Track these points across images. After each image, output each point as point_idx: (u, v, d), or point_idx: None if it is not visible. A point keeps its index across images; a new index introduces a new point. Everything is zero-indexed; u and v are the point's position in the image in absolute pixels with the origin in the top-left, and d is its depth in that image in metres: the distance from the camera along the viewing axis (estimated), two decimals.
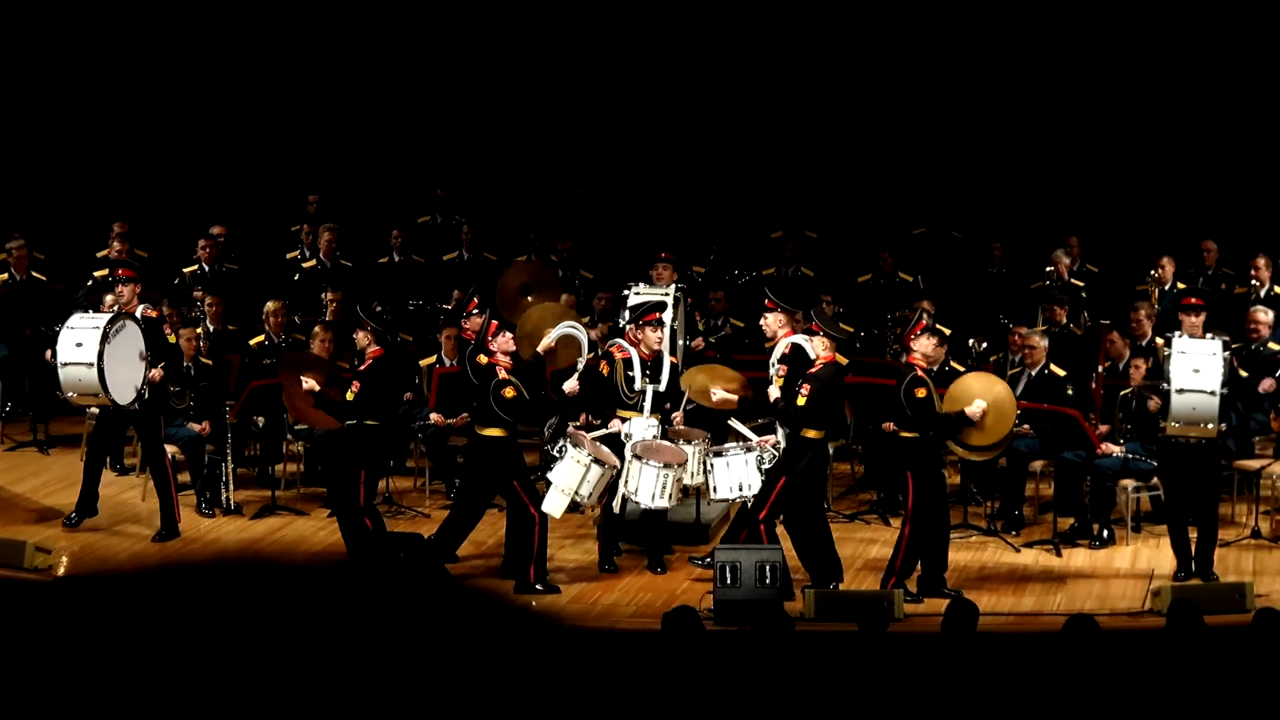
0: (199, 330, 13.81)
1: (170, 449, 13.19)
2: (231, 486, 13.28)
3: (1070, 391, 12.68)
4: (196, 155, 18.70)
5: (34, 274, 15.40)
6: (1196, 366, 11.32)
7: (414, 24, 18.88)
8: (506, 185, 18.65)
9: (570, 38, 18.72)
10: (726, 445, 11.75)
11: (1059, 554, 12.27)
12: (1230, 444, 12.87)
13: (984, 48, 18.15)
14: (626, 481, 11.55)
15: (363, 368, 11.83)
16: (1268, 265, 14.71)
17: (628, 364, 11.94)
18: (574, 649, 3.15)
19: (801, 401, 11.25)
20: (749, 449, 11.55)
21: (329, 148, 18.85)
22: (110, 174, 18.44)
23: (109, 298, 13.39)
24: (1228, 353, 11.52)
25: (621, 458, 11.66)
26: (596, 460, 11.47)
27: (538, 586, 11.40)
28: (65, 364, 12.12)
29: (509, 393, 11.47)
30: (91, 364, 12.04)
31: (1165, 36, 17.78)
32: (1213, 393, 11.29)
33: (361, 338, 11.97)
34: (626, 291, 13.09)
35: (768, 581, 10.76)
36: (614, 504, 11.70)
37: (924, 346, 11.31)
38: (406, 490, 13.87)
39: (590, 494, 11.51)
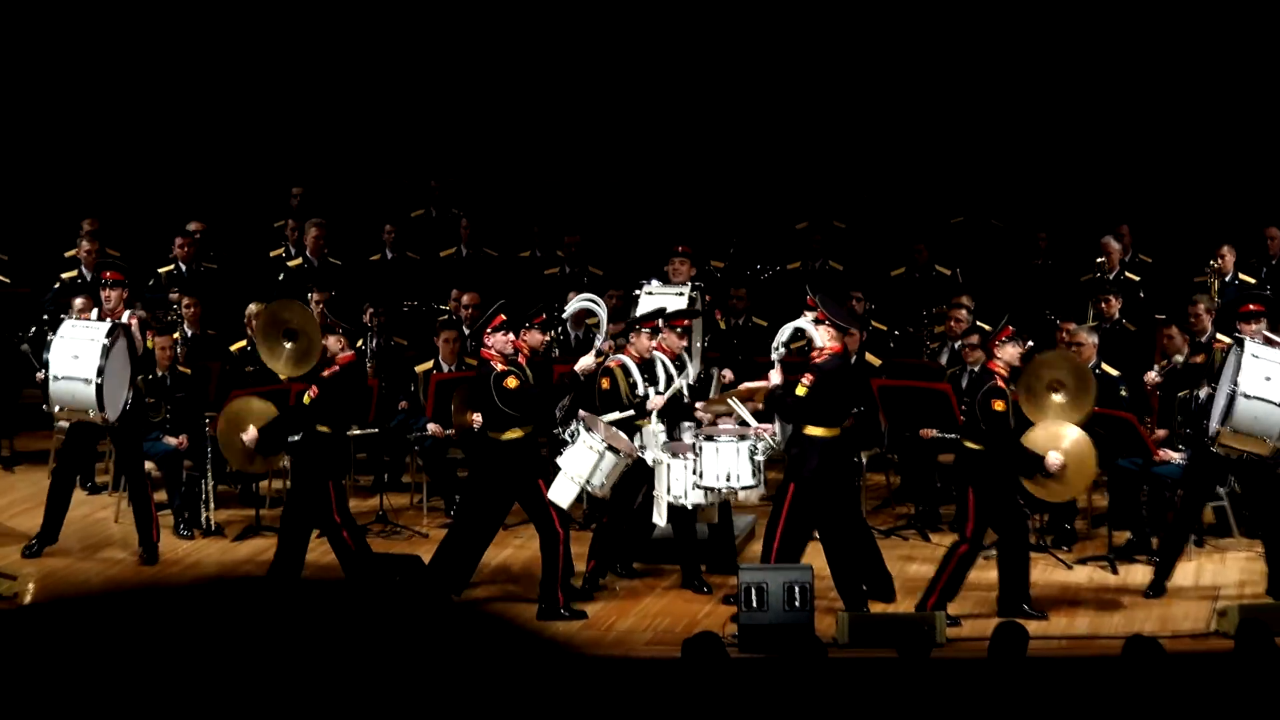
0: (175, 336, 13.79)
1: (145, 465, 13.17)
2: (212, 505, 13.26)
3: (1124, 393, 12.63)
4: (172, 146, 18.69)
5: None
6: (1269, 375, 11.16)
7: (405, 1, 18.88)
8: (507, 174, 18.62)
9: (578, 19, 18.70)
10: (721, 427, 11.58)
11: (1115, 571, 12.22)
12: None
13: (1026, 21, 18.09)
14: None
15: (327, 373, 11.73)
16: None
17: (626, 371, 11.88)
18: (587, 679, 3.12)
19: (802, 391, 11.08)
20: (743, 436, 11.44)
21: (315, 136, 18.83)
22: (78, 167, 18.43)
23: (79, 301, 13.33)
24: None
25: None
26: (611, 448, 11.30)
27: (564, 612, 11.31)
28: (59, 377, 11.98)
29: (511, 382, 11.23)
30: (89, 380, 11.88)
31: (1224, 7, 17.72)
32: None
33: (333, 342, 11.84)
34: (638, 291, 13.04)
35: (797, 604, 10.71)
36: (659, 515, 11.57)
37: (1009, 355, 11.17)
38: (403, 508, 13.83)
39: (603, 484, 11.34)
